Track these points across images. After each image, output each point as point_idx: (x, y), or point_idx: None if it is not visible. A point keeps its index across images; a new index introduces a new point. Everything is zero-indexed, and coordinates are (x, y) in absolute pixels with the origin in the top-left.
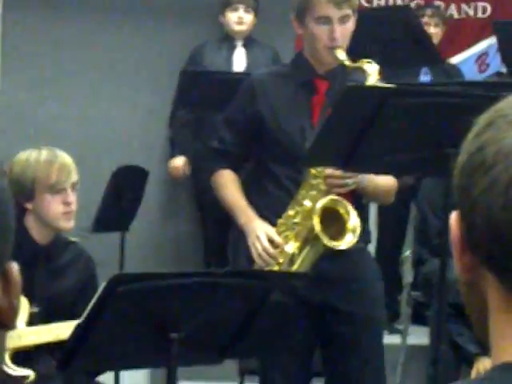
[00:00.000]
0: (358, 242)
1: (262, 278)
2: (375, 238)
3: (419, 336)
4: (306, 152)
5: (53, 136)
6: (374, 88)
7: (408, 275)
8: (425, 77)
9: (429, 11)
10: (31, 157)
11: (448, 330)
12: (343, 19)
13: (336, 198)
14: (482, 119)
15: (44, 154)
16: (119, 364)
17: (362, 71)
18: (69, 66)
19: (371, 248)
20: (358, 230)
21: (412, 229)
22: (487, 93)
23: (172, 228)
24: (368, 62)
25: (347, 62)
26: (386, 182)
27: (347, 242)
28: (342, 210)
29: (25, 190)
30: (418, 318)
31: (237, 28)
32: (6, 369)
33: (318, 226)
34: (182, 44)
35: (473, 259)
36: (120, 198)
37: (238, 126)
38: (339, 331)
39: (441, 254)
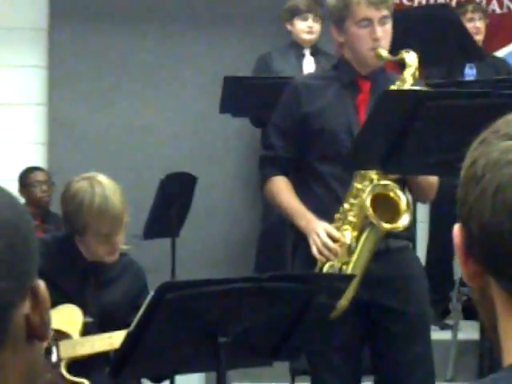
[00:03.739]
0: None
1: (307, 281)
2: (427, 234)
3: (470, 331)
4: (347, 156)
5: (101, 146)
6: (410, 92)
7: (458, 270)
8: (469, 70)
9: (470, 7)
10: (84, 201)
11: None
12: (382, 20)
13: (385, 182)
14: (478, 138)
15: (97, 201)
16: (170, 370)
17: (403, 62)
18: (115, 76)
19: (423, 245)
20: (411, 207)
21: None
22: None
23: (222, 232)
24: (406, 52)
25: (389, 57)
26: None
27: (405, 221)
28: (392, 194)
29: (75, 229)
30: (469, 313)
31: (306, 37)
32: (67, 375)
33: (371, 212)
34: (241, 52)
35: (476, 266)
36: (170, 205)
37: (287, 131)
38: (386, 328)
39: None
